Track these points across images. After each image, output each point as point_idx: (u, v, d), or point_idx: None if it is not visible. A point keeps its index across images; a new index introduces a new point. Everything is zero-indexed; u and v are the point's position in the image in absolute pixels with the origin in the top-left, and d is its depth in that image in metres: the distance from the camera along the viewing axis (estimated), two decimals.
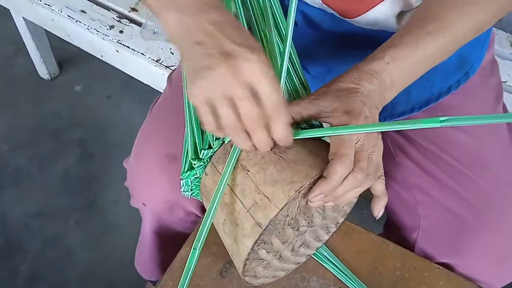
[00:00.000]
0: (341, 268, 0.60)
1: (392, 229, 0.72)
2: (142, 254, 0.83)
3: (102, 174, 1.33)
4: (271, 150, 0.47)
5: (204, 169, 0.52)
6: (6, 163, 1.35)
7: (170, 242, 0.73)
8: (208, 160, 0.52)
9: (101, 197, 1.29)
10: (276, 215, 0.44)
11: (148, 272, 0.87)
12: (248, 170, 0.47)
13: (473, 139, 0.64)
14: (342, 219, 0.59)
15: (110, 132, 1.41)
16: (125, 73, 1.14)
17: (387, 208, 0.72)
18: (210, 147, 0.51)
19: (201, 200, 0.58)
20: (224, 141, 0.51)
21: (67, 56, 1.57)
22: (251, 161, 0.47)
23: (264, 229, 0.45)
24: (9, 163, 1.35)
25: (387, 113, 0.68)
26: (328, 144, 0.46)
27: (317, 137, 0.51)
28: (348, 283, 0.59)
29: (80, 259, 1.18)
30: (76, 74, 1.55)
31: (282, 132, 0.42)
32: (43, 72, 1.50)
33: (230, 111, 0.40)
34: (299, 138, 0.47)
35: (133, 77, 1.12)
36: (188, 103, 0.55)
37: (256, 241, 0.45)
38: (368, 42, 0.67)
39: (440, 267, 0.61)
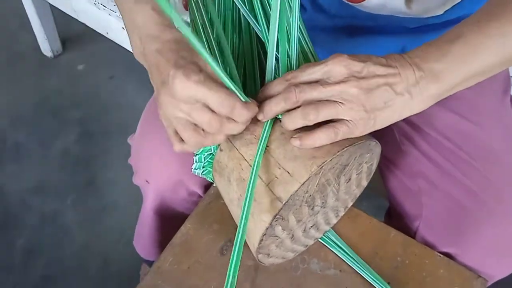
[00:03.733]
0: (346, 250, 0.60)
1: (394, 218, 0.72)
2: (141, 233, 0.83)
3: (101, 154, 1.32)
4: None
5: (219, 145, 0.52)
6: (6, 138, 1.34)
7: (170, 222, 0.72)
8: None
9: (100, 176, 1.28)
10: (297, 190, 0.44)
11: (146, 251, 0.87)
12: (267, 146, 0.47)
13: (482, 131, 0.63)
14: (351, 203, 0.59)
15: (111, 113, 1.41)
16: (129, 54, 1.12)
17: (389, 196, 0.72)
18: None
19: (208, 180, 0.58)
20: None
21: (71, 34, 1.56)
22: (270, 137, 0.47)
23: (284, 204, 0.44)
24: (9, 138, 1.34)
25: None
26: None
27: None
28: (354, 265, 0.59)
29: (77, 236, 1.18)
30: (80, 53, 1.54)
31: (243, 119, 0.44)
32: (46, 49, 1.49)
33: (184, 129, 0.45)
34: None
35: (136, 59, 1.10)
36: None
37: (275, 216, 0.45)
38: (376, 29, 0.67)
39: (441, 255, 0.61)
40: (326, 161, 0.44)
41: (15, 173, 1.28)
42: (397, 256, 0.61)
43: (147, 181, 0.68)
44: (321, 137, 0.44)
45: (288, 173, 0.45)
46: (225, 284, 0.40)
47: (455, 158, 0.63)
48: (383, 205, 0.95)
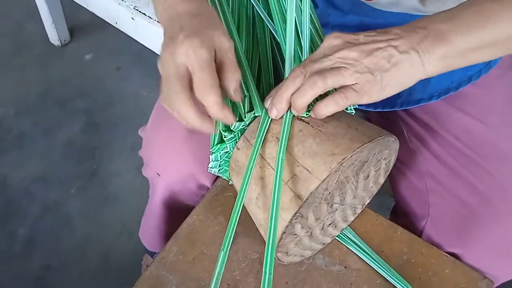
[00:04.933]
0: (364, 248, 0.60)
1: (399, 216, 0.72)
2: (148, 225, 0.82)
3: (106, 145, 1.32)
4: (308, 124, 0.46)
5: (235, 143, 0.51)
6: (11, 126, 1.34)
7: (178, 215, 0.72)
8: (240, 133, 0.51)
9: (103, 167, 1.28)
10: (317, 187, 0.44)
11: (152, 243, 0.86)
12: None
13: (491, 130, 0.63)
14: (368, 201, 0.58)
15: (116, 104, 1.40)
16: (136, 45, 1.12)
17: (396, 195, 0.72)
18: (241, 119, 0.50)
19: (225, 178, 0.58)
20: (257, 115, 0.50)
21: (79, 23, 1.56)
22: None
23: (304, 202, 0.44)
24: (14, 127, 1.34)
25: (403, 100, 0.67)
26: (365, 121, 0.46)
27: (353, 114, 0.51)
28: (374, 264, 0.59)
29: (78, 227, 1.18)
30: (87, 42, 1.54)
31: (211, 108, 0.44)
32: (53, 38, 1.49)
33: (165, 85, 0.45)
34: (336, 114, 0.47)
35: (144, 50, 1.10)
36: None
37: (295, 214, 0.45)
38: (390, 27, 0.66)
39: (447, 255, 0.61)
40: (346, 157, 0.43)
41: (19, 162, 1.27)
42: (403, 254, 0.61)
43: (158, 174, 0.68)
44: (329, 104, 0.45)
45: (308, 170, 0.44)
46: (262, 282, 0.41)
47: (464, 158, 0.62)
48: (386, 202, 0.95)
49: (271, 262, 0.40)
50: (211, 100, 0.43)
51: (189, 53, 0.43)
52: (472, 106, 0.65)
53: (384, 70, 0.44)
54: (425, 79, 0.50)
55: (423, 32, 0.45)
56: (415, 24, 0.46)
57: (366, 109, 0.69)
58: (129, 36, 1.18)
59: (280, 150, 0.45)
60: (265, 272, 0.39)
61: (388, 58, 0.44)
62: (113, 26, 1.19)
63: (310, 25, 0.52)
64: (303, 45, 0.52)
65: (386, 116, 0.72)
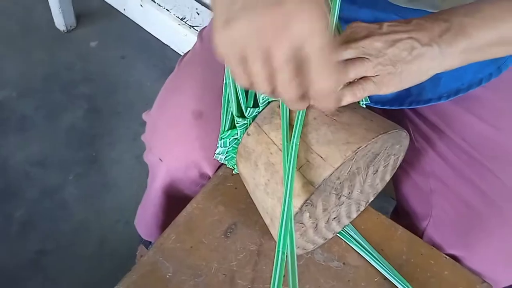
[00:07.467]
0: (366, 246, 0.59)
1: (401, 217, 0.71)
2: (145, 212, 0.82)
3: (107, 132, 1.31)
4: (323, 112, 0.46)
5: (246, 129, 0.51)
6: (14, 109, 1.33)
7: (176, 205, 0.71)
8: (252, 119, 0.51)
9: (103, 154, 1.27)
10: (331, 174, 0.43)
11: (148, 231, 0.85)
12: None
13: (500, 133, 0.62)
14: (372, 198, 0.58)
15: (119, 92, 1.39)
16: (142, 35, 1.11)
17: (398, 194, 0.71)
18: (255, 105, 0.50)
19: (229, 166, 0.57)
20: (270, 101, 0.50)
21: (86, 10, 1.54)
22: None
23: (317, 188, 0.44)
24: (16, 110, 1.33)
25: (412, 98, 0.67)
26: (378, 115, 0.47)
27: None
28: (372, 260, 0.58)
29: (75, 212, 1.17)
30: (93, 30, 1.53)
31: (326, 93, 0.36)
32: (59, 23, 1.48)
33: (264, 71, 0.34)
34: (351, 105, 0.46)
35: (149, 40, 1.08)
36: None
37: (306, 200, 0.44)
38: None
39: (447, 256, 0.60)
40: (361, 146, 0.43)
41: (20, 145, 1.27)
42: (402, 254, 0.60)
43: (160, 159, 0.67)
44: (346, 95, 0.44)
45: (321, 157, 0.44)
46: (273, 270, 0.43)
47: (470, 160, 0.61)
48: (385, 206, 0.94)
49: (284, 242, 0.41)
50: (331, 83, 0.35)
51: (315, 26, 0.32)
52: (482, 109, 0.64)
53: (406, 62, 0.44)
54: (436, 79, 0.50)
55: (446, 25, 0.44)
56: (438, 16, 0.46)
57: (374, 106, 0.69)
58: (136, 25, 1.17)
59: (294, 136, 0.44)
60: (278, 251, 0.39)
61: (410, 50, 0.44)
62: (120, 14, 1.18)
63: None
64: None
65: (392, 114, 0.71)
